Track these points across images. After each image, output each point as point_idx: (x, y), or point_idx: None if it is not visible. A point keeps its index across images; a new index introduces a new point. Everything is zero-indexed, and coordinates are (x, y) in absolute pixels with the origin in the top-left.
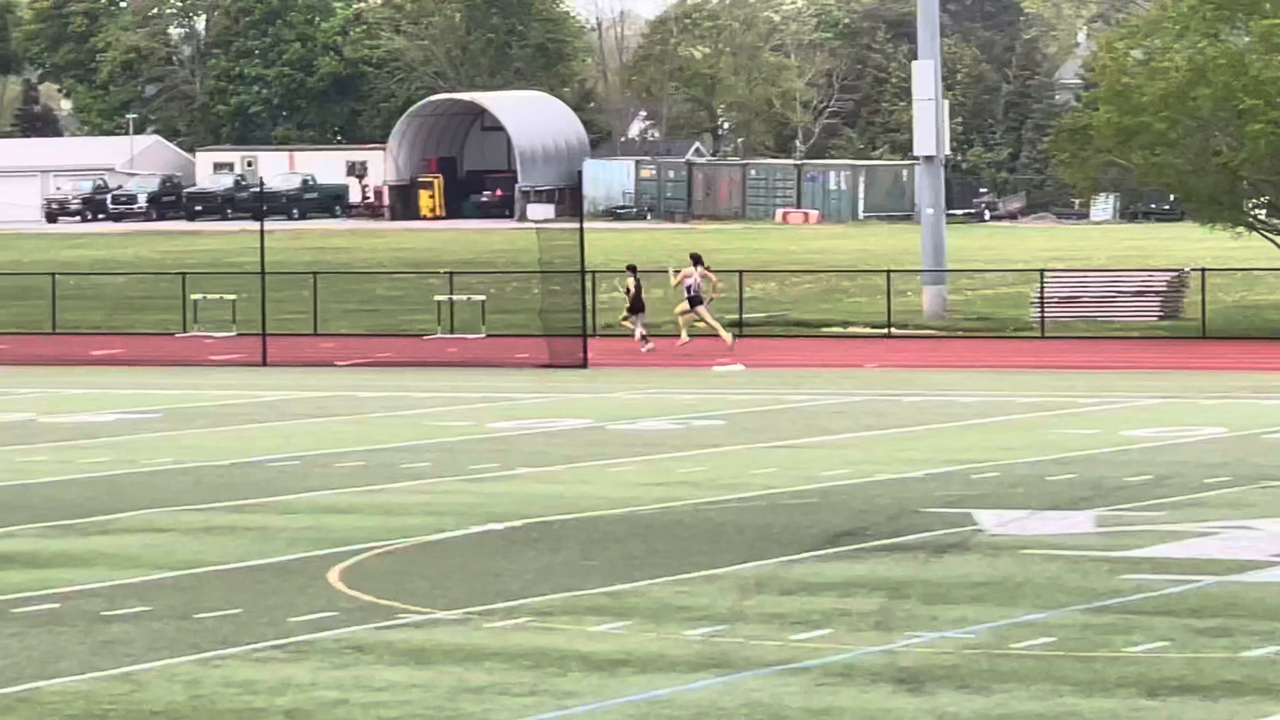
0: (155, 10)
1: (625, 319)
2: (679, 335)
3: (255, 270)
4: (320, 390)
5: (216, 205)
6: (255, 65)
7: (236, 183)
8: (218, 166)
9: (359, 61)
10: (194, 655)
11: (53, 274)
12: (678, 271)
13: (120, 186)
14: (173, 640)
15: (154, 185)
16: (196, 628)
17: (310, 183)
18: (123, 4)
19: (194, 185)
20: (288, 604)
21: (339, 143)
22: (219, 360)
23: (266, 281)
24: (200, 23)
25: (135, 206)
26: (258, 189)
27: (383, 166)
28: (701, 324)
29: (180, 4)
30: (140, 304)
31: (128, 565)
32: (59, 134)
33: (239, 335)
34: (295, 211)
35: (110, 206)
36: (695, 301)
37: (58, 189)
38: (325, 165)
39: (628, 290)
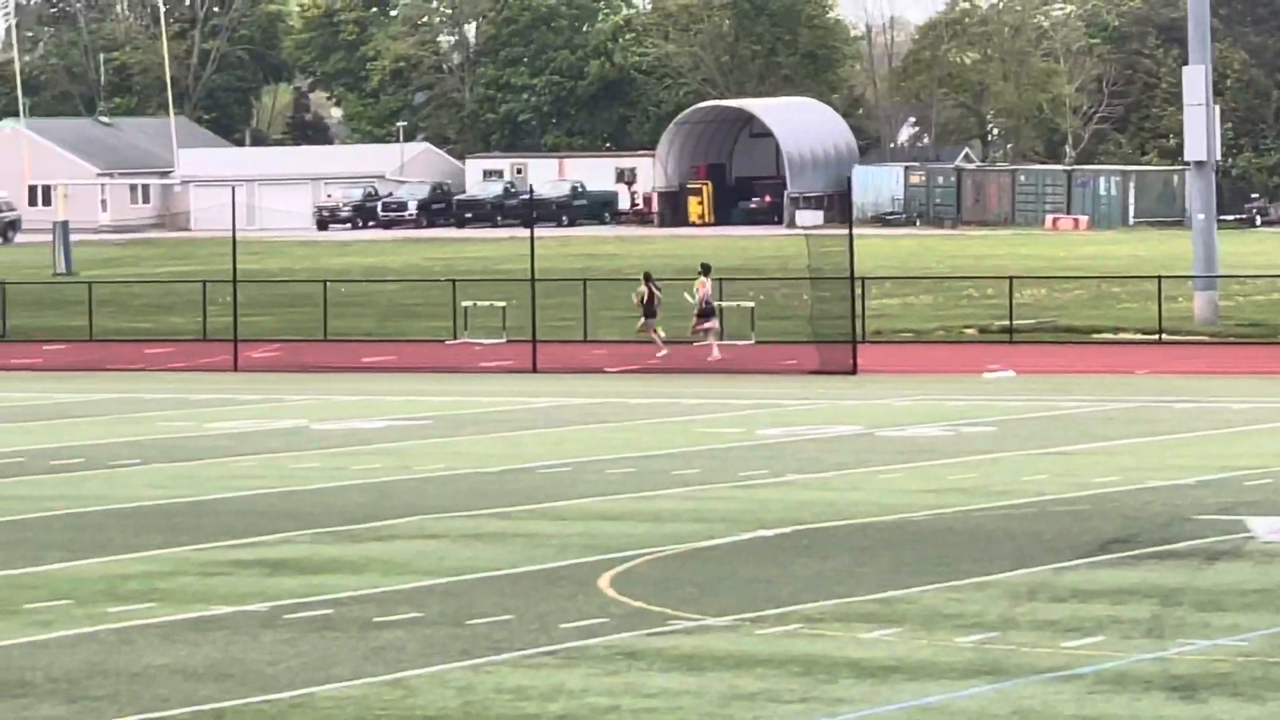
0: (425, 19)
1: (641, 327)
2: (710, 349)
3: (525, 277)
4: (590, 396)
5: (486, 212)
6: (523, 74)
7: (506, 190)
8: (487, 174)
9: (628, 68)
10: (465, 661)
11: (324, 281)
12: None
13: (390, 194)
14: (444, 646)
15: (424, 192)
16: (468, 634)
17: (579, 189)
18: (393, 12)
19: (463, 192)
20: (559, 610)
21: (608, 149)
22: (489, 367)
23: (536, 288)
24: (470, 30)
25: (405, 214)
26: (527, 196)
27: (651, 173)
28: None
29: (449, 12)
30: (410, 311)
31: (399, 571)
32: (329, 142)
33: (509, 342)
34: (564, 218)
35: (380, 214)
36: (706, 314)
37: (328, 196)
38: (594, 172)
39: (641, 298)
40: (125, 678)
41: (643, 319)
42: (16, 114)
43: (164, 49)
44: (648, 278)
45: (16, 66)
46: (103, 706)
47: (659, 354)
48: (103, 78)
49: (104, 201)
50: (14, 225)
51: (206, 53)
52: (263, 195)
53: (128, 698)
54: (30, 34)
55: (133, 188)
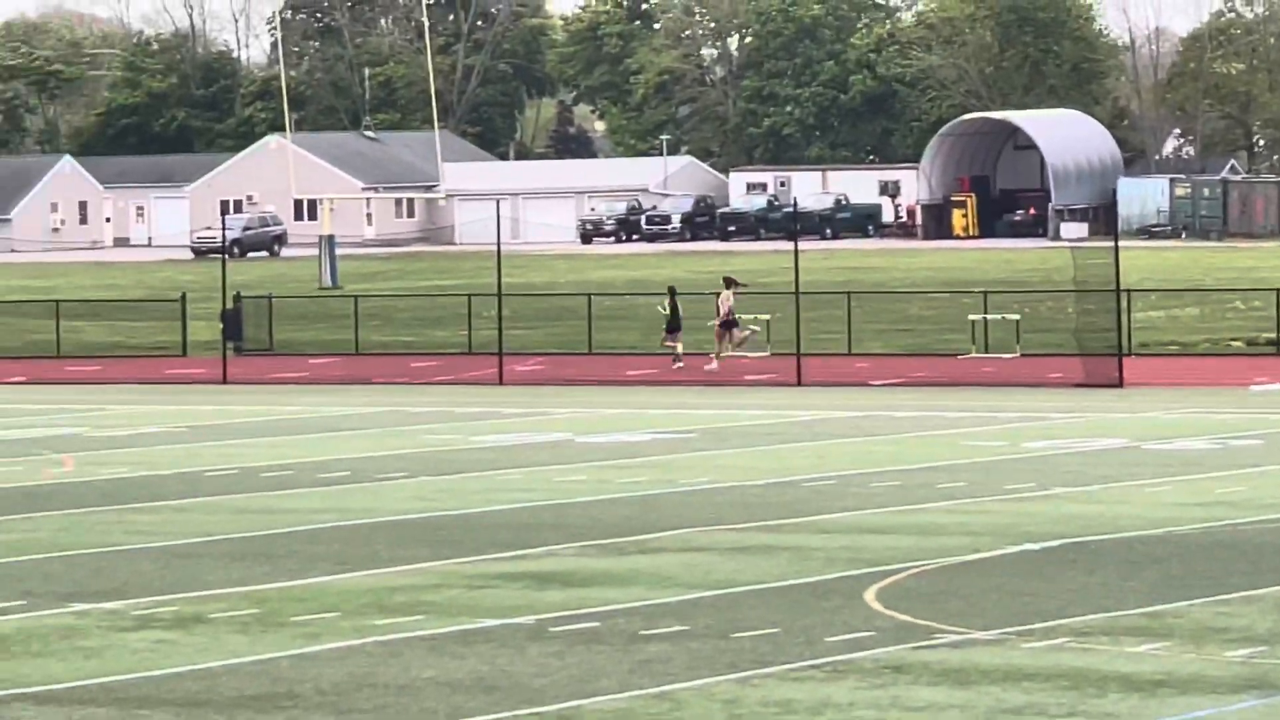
0: (687, 31)
1: (665, 339)
2: (745, 351)
3: (789, 290)
4: (855, 410)
5: (749, 225)
6: (786, 86)
7: (769, 203)
8: (750, 187)
9: (892, 80)
10: (732, 674)
11: (588, 294)
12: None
13: (654, 207)
14: (710, 659)
15: (687, 206)
16: (734, 647)
17: (843, 202)
18: (656, 25)
19: (727, 205)
20: (824, 623)
21: (872, 162)
22: (754, 380)
23: (801, 301)
24: (732, 43)
25: (669, 227)
26: (791, 209)
27: (915, 185)
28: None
29: (713, 24)
30: None
31: (665, 584)
32: (593, 155)
33: (773, 355)
34: (828, 231)
35: (644, 227)
36: (729, 324)
37: (592, 210)
38: (858, 184)
39: (665, 310)
40: (392, 690)
41: (665, 332)
42: (283, 128)
43: (429, 64)
44: (671, 292)
45: (283, 81)
46: (370, 719)
47: (675, 365)
48: (367, 92)
49: (369, 215)
50: (280, 239)
51: (470, 67)
52: (526, 209)
53: (395, 710)
54: (296, 49)
55: (397, 202)
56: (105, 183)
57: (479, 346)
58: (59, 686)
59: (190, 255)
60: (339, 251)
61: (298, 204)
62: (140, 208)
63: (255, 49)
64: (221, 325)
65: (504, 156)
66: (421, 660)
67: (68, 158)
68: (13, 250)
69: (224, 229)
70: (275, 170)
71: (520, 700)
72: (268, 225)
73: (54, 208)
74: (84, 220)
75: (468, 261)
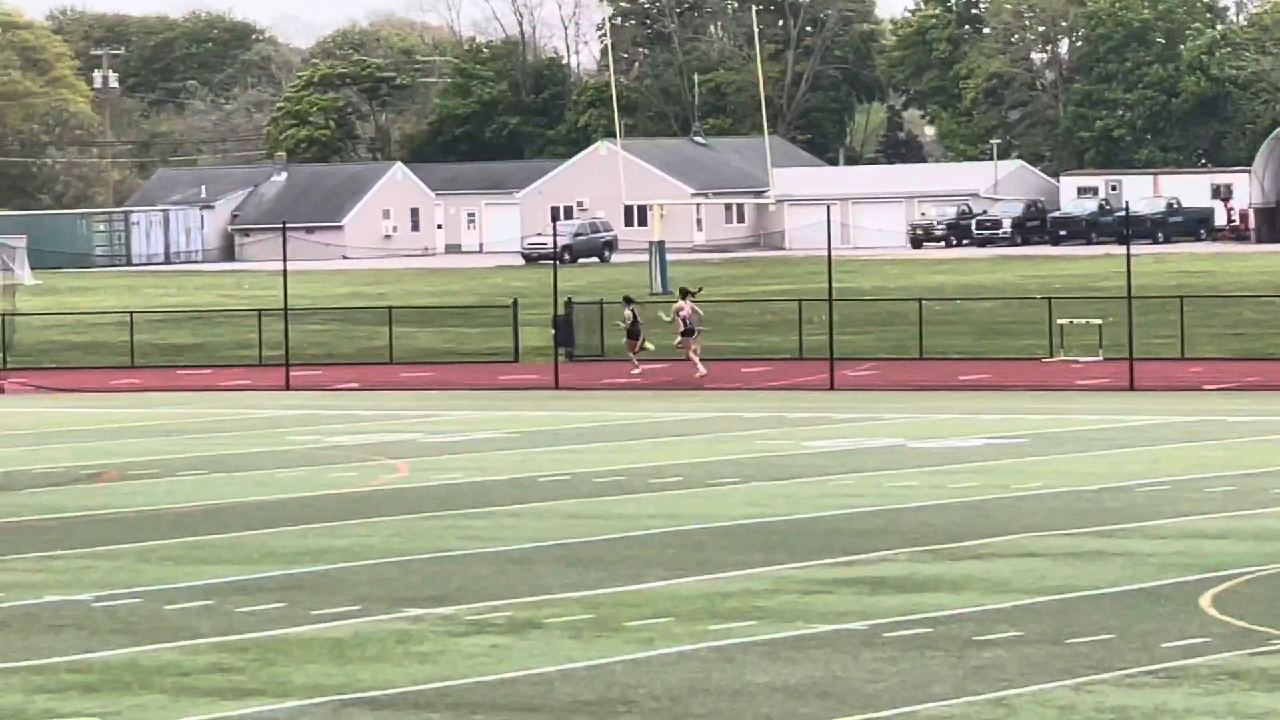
0: (1016, 36)
1: (630, 345)
2: (696, 368)
3: (1121, 294)
4: (1188, 415)
5: (1080, 229)
6: (1116, 90)
7: (1100, 206)
8: (1081, 190)
9: (1224, 82)
10: (1066, 680)
11: (919, 299)
12: (678, 310)
13: (984, 211)
14: (1044, 665)
15: (1018, 210)
16: (1068, 653)
17: (1175, 206)
18: (985, 29)
19: (1057, 209)
20: (1159, 629)
21: (1203, 165)
22: (1085, 385)
23: (1133, 305)
24: (1062, 47)
25: (1000, 231)
26: (1122, 213)
27: (1247, 189)
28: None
29: (1042, 29)
30: (1006, 329)
31: (998, 590)
32: (922, 160)
33: (1105, 360)
34: (1160, 235)
35: (975, 232)
36: (688, 333)
37: (922, 215)
38: (1189, 188)
39: (625, 321)
40: (726, 695)
41: (628, 339)
42: (613, 135)
43: (759, 70)
44: (629, 301)
45: (613, 88)
46: None
47: (634, 371)
48: (697, 98)
49: (699, 221)
50: (610, 245)
51: (800, 73)
52: (856, 214)
53: (729, 715)
54: (625, 55)
55: (727, 207)
56: (436, 189)
57: (809, 351)
58: (394, 691)
59: (521, 261)
60: (669, 257)
61: (628, 210)
62: (471, 214)
63: (585, 55)
64: (553, 331)
65: (833, 162)
66: (755, 665)
67: (399, 165)
68: (345, 257)
69: (555, 235)
70: (605, 176)
71: (855, 706)
72: (598, 231)
73: (386, 214)
74: (415, 227)
75: (798, 267)
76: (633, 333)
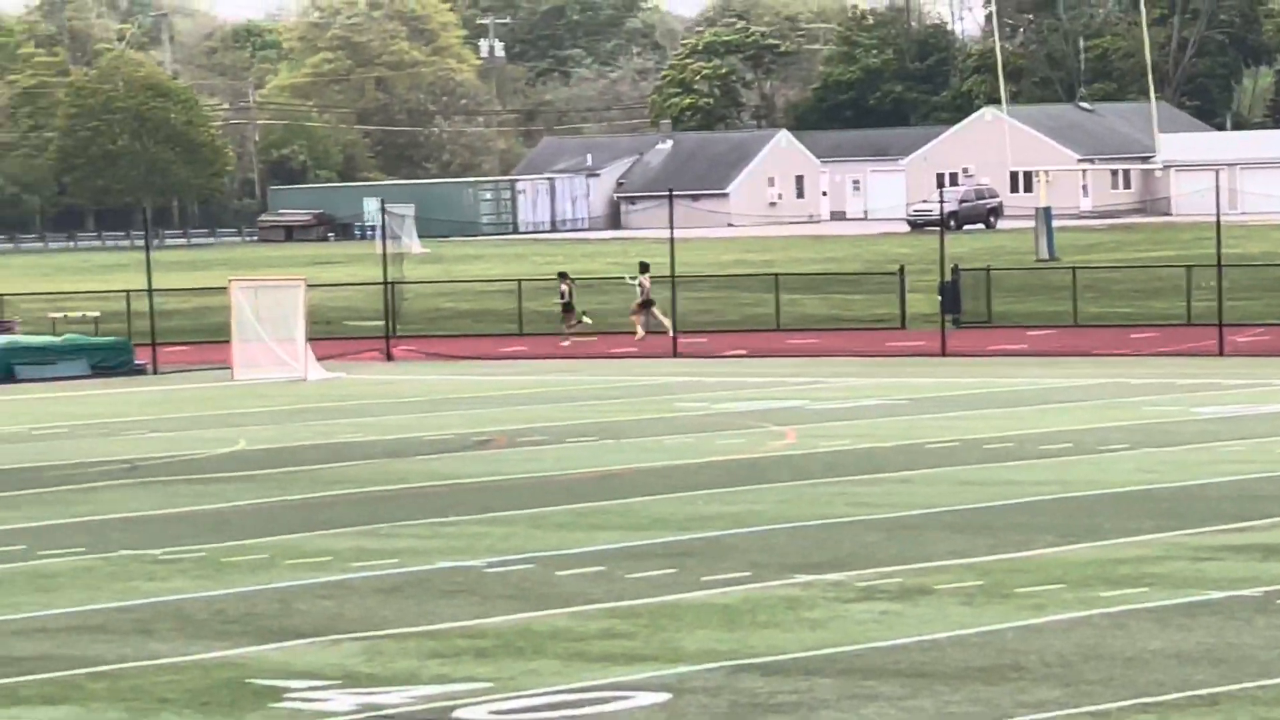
0: None
1: (567, 320)
2: (635, 332)
3: None
4: None
5: None
6: None
7: None
8: None
9: None
10: None
11: None
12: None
13: None
14: None
15: None
16: None
17: None
18: None
19: None
20: None
21: None
22: None
23: None
24: None
25: None
26: None
27: None
28: (653, 319)
29: None
30: None
31: None
32: None
33: None
34: None
35: None
36: (647, 304)
37: None
38: None
39: (561, 295)
40: (1120, 662)
41: (563, 313)
42: (998, 101)
43: (1144, 35)
44: (564, 276)
45: (997, 54)
46: (1097, 690)
47: (564, 343)
48: (1082, 64)
49: (1084, 187)
50: (996, 212)
51: (1186, 38)
52: (1244, 179)
53: (1122, 682)
54: (1010, 21)
55: (1113, 173)
56: (821, 156)
57: (1198, 317)
58: (785, 657)
59: (906, 228)
60: (1055, 223)
61: (1013, 176)
62: (856, 181)
63: (969, 22)
64: (940, 298)
65: (1220, 127)
66: (1148, 632)
67: (784, 132)
68: (730, 224)
69: (941, 201)
70: (990, 143)
71: (1248, 673)
72: (983, 198)
73: (770, 182)
74: (800, 194)
75: (1185, 232)
76: (567, 307)
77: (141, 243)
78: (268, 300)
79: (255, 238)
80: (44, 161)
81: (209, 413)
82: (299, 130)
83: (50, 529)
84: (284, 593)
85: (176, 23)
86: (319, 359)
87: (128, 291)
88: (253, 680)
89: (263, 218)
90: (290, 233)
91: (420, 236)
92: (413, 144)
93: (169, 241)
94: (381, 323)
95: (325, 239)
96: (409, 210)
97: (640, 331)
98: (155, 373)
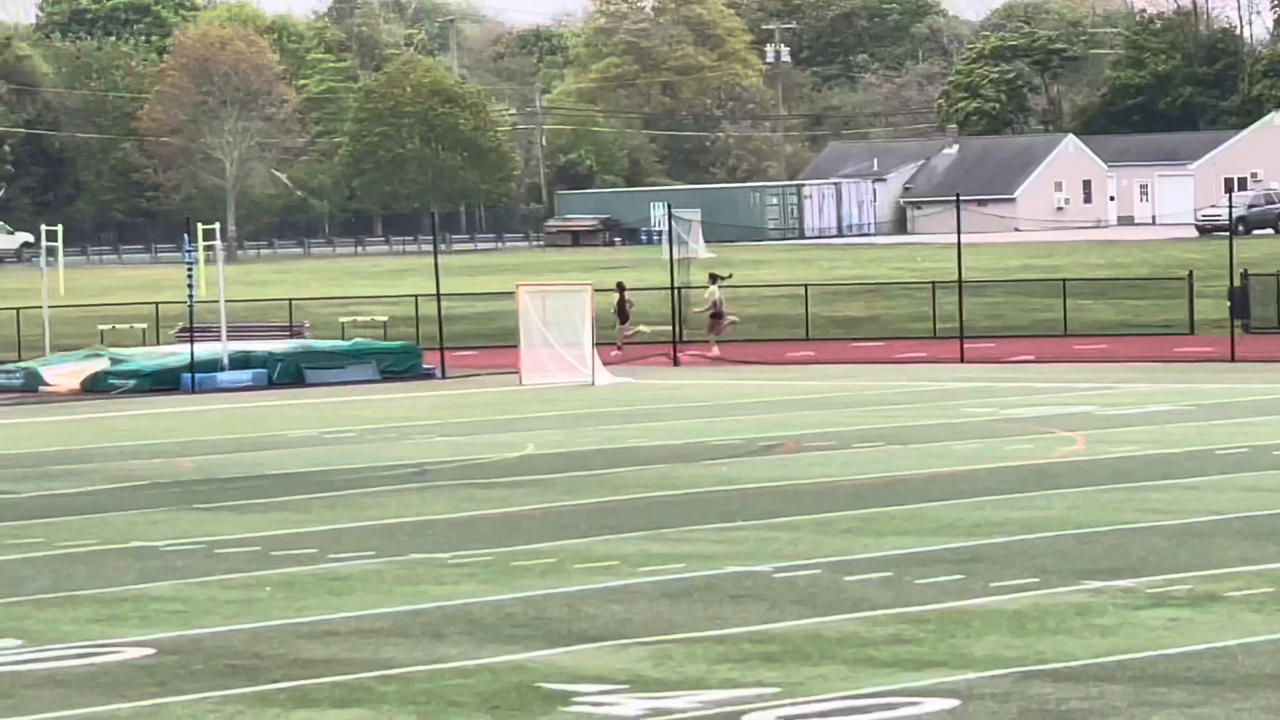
0: None
1: (624, 331)
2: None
3: None
4: None
5: None
6: None
7: None
8: None
9: None
10: None
11: None
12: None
13: None
14: None
15: None
16: None
17: None
18: None
19: None
20: None
21: None
22: None
23: None
24: None
25: None
26: None
27: None
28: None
29: None
30: None
31: None
32: None
33: None
34: None
35: None
36: (717, 316)
37: None
38: None
39: (617, 305)
40: None
41: (618, 323)
42: None
43: None
44: (620, 287)
45: None
46: None
47: (614, 353)
48: None
49: None
50: None
51: None
52: None
53: None
54: None
55: None
56: (1108, 161)
57: None
58: (1075, 664)
59: (1194, 233)
60: None
61: None
62: (1144, 186)
63: (1258, 26)
64: (1229, 303)
65: None
66: None
67: (1071, 137)
68: (1017, 229)
69: (1230, 206)
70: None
71: None
72: (1273, 202)
73: (1058, 187)
74: (1088, 199)
75: None
76: (623, 317)
77: (429, 247)
78: (555, 305)
79: (542, 243)
80: (333, 166)
81: (497, 417)
82: (585, 135)
83: (340, 533)
84: (572, 597)
85: (463, 28)
86: (605, 362)
87: (416, 296)
88: (542, 684)
89: (549, 223)
90: (576, 238)
91: (706, 241)
92: (699, 149)
93: (455, 247)
94: (669, 327)
95: (611, 244)
96: (695, 215)
97: (714, 349)
98: (443, 377)
